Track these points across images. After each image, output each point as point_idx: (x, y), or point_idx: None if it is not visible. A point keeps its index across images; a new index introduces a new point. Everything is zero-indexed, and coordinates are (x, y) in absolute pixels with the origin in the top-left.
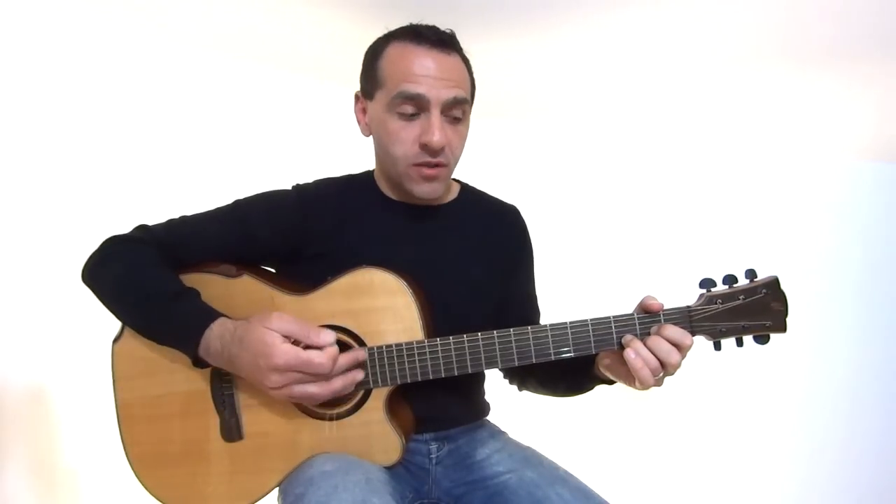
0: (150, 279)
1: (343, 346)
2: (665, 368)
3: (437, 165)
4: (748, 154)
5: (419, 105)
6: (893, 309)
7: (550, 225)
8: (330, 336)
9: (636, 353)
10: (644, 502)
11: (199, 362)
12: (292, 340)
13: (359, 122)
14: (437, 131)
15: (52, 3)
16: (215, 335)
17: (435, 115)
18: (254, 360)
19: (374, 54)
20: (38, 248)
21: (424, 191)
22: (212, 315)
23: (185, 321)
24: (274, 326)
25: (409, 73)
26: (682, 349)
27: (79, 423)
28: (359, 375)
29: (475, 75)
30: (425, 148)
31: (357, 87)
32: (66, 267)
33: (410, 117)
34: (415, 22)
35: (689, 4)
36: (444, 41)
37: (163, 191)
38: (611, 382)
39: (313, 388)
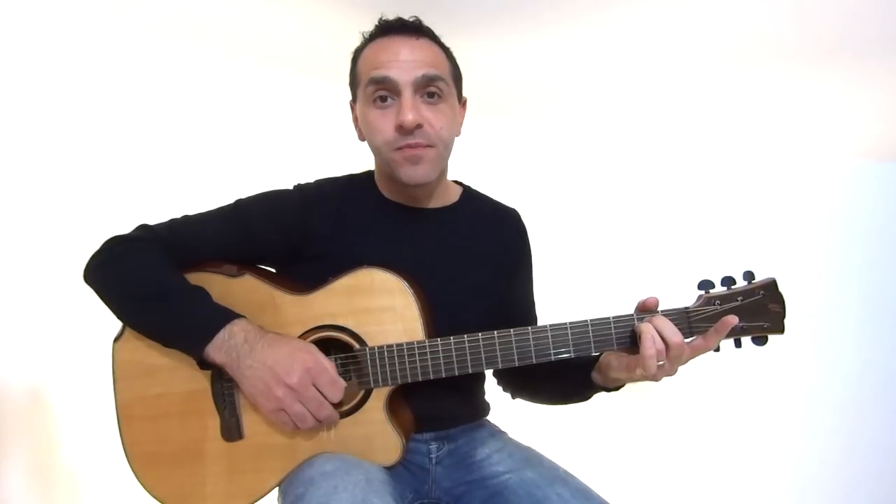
0: (157, 278)
1: (343, 346)
2: (668, 350)
3: (419, 147)
4: (748, 154)
5: (390, 89)
6: (893, 310)
7: (548, 225)
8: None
9: (648, 333)
10: (644, 502)
11: (203, 362)
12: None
13: (356, 128)
14: (409, 111)
15: (53, 3)
16: (239, 328)
17: (406, 95)
18: (288, 355)
19: (354, 59)
20: (38, 248)
21: (411, 174)
22: (231, 312)
23: (199, 318)
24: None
25: (377, 60)
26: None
27: (79, 423)
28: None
29: (472, 74)
30: (400, 129)
31: None
32: (67, 267)
33: (385, 103)
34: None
35: (689, 1)
36: (408, 27)
37: (164, 190)
38: (608, 389)
39: (308, 415)
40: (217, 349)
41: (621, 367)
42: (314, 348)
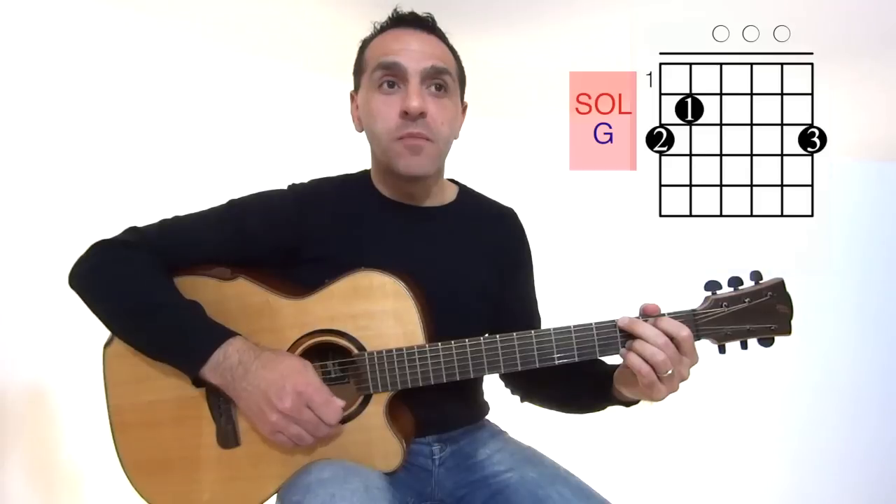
0: (148, 290)
1: (342, 351)
2: (679, 346)
3: (420, 137)
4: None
5: (398, 75)
6: (893, 309)
7: (546, 225)
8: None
9: (632, 350)
10: (644, 502)
11: (198, 380)
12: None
13: (353, 119)
14: (416, 97)
15: None
16: (234, 349)
17: (413, 83)
18: (280, 378)
19: (362, 49)
20: (37, 247)
21: (410, 165)
22: (226, 330)
23: (193, 338)
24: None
25: (387, 48)
26: (676, 341)
27: (79, 423)
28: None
29: (472, 73)
30: (405, 116)
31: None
32: (67, 267)
33: (391, 90)
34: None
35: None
36: (421, 22)
37: (157, 190)
38: (627, 404)
39: (306, 435)
40: (212, 370)
41: (625, 383)
42: (310, 369)
